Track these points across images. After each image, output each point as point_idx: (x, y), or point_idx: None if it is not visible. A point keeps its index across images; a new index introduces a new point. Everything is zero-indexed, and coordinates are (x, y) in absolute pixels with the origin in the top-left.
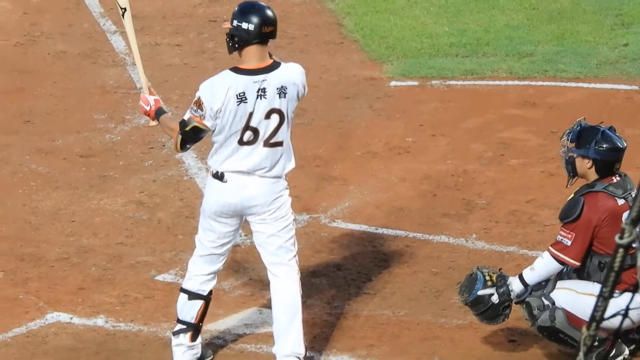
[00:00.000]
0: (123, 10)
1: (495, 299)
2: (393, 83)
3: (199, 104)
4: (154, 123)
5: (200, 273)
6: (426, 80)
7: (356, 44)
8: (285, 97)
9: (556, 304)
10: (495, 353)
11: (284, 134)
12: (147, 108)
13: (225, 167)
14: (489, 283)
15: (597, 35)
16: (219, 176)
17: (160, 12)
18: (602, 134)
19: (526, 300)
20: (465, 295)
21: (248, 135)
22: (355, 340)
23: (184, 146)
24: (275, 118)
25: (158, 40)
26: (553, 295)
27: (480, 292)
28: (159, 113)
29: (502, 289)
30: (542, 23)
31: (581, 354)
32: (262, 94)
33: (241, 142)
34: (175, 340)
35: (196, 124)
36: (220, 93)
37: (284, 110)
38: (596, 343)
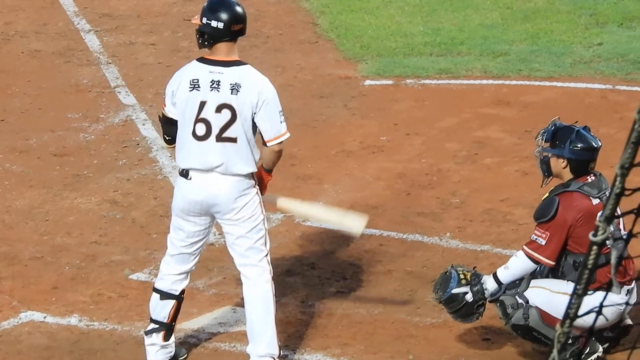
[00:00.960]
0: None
1: (469, 297)
2: (368, 82)
3: (165, 93)
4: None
5: (171, 273)
6: (401, 79)
7: (331, 43)
8: (237, 94)
9: (530, 303)
10: (469, 351)
11: (237, 131)
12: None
13: (187, 164)
14: (463, 281)
15: (571, 35)
16: (184, 174)
17: (134, 11)
18: (576, 133)
19: (500, 298)
20: (439, 294)
21: (200, 128)
22: (330, 338)
23: (165, 139)
24: (226, 113)
25: (132, 39)
26: (527, 293)
27: (455, 291)
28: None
29: (476, 288)
30: (517, 22)
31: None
32: (216, 86)
33: (195, 136)
34: (148, 340)
35: (163, 111)
36: (176, 78)
37: (235, 107)
38: (570, 341)
